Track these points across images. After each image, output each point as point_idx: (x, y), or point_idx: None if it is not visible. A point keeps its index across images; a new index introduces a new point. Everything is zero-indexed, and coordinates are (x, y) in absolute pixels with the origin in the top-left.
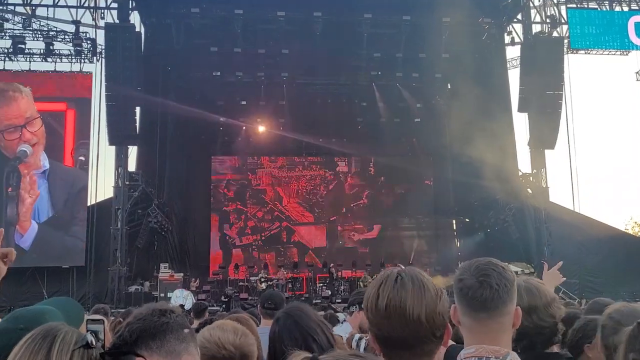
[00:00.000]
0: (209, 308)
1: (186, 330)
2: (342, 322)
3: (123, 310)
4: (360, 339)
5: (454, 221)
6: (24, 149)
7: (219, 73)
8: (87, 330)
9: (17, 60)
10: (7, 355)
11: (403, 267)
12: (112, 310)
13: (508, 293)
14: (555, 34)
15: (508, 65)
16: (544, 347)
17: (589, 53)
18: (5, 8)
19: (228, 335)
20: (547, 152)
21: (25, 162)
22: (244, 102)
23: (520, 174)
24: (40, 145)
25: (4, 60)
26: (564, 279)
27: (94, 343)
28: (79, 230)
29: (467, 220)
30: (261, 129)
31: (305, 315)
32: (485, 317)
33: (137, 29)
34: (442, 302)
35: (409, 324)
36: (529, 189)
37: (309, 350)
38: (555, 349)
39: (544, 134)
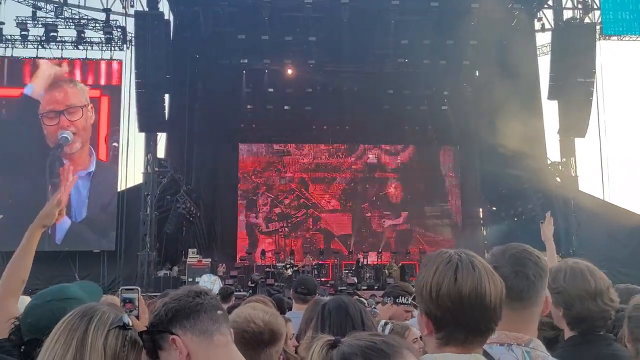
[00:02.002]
0: (236, 293)
1: (219, 312)
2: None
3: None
4: (385, 324)
5: (480, 210)
6: (64, 135)
7: (246, 60)
8: (121, 299)
9: (50, 48)
10: (42, 327)
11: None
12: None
13: (542, 282)
14: (587, 19)
15: (538, 52)
16: (604, 331)
17: (621, 39)
18: None
19: (258, 312)
20: (577, 140)
21: (71, 156)
22: (271, 90)
23: (549, 162)
24: (78, 137)
25: (37, 48)
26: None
27: (130, 324)
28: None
29: (494, 209)
30: (288, 115)
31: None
32: (519, 306)
33: (166, 17)
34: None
35: (487, 311)
36: (557, 178)
37: (353, 317)
38: None
39: (574, 122)
